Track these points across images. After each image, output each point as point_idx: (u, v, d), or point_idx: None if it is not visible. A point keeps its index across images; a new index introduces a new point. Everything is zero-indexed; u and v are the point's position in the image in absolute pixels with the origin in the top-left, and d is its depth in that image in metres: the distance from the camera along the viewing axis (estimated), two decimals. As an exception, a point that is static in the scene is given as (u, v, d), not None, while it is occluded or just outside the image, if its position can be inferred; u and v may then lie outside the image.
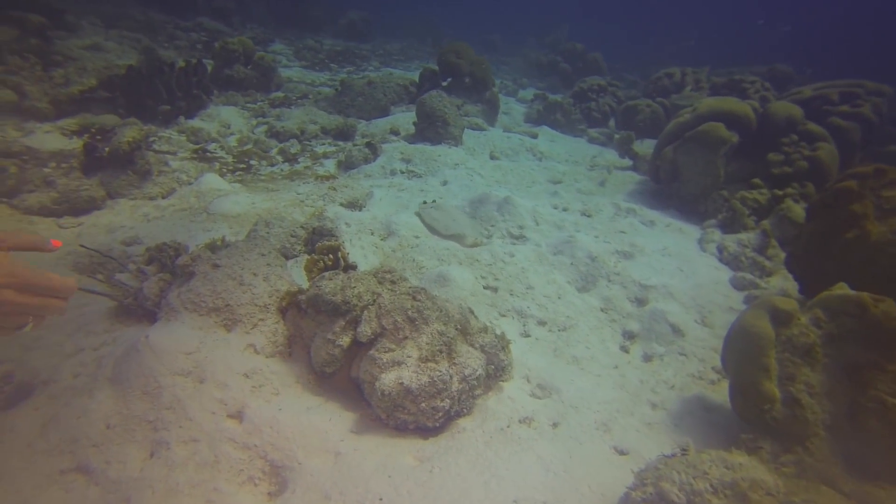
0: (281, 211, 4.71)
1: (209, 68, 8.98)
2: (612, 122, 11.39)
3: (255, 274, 3.10)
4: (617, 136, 10.41)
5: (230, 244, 3.59)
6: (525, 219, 5.26)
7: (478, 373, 2.89)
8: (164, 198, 4.80)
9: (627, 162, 8.30)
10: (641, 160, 7.96)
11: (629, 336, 3.94)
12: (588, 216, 5.80)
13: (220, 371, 2.57)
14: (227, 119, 7.22)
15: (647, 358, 3.72)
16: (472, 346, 3.10)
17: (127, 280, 3.30)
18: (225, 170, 5.89)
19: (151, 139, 6.12)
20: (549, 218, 5.43)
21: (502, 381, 3.19)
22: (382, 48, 17.46)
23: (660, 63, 19.04)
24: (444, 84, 9.69)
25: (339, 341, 2.84)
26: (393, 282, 3.08)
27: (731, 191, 5.58)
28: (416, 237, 4.77)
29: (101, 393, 2.28)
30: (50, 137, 5.96)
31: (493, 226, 5.18)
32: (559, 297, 4.25)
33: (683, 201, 6.00)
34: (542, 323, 3.96)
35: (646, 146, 8.69)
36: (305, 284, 3.37)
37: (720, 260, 4.69)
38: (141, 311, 2.92)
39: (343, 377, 3.06)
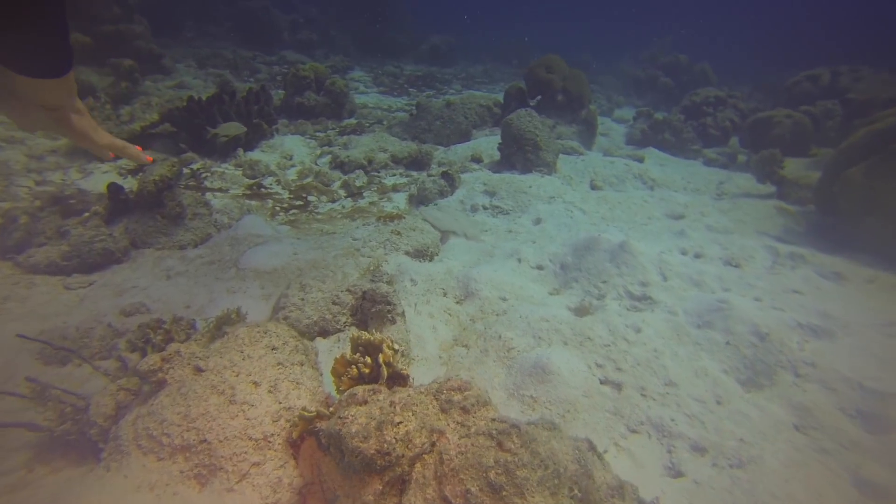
0: (329, 264, 3.69)
1: (280, 97, 8.51)
2: (733, 140, 9.55)
3: (256, 383, 2.03)
4: (742, 156, 8.59)
5: (243, 321, 2.58)
6: (649, 272, 3.85)
7: None
8: (195, 246, 3.98)
9: (769, 188, 6.55)
10: (791, 185, 6.20)
11: (868, 487, 2.39)
12: (735, 266, 4.26)
13: (164, 582, 1.48)
14: (289, 149, 6.51)
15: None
16: (601, 527, 1.80)
17: (93, 379, 2.37)
18: (278, 208, 5.06)
19: (203, 175, 5.47)
20: (681, 269, 3.98)
21: (655, 588, 1.84)
22: (465, 71, 16.69)
23: (777, 74, 16.59)
24: (533, 103, 8.49)
25: (373, 518, 1.66)
26: (465, 409, 1.86)
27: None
28: (504, 299, 3.54)
29: None
30: (106, 178, 5.54)
31: (604, 282, 3.82)
32: (718, 403, 2.80)
33: (883, 242, 4.26)
34: (699, 450, 2.53)
35: (791, 167, 6.85)
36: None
37: None
38: (85, 442, 1.92)
39: (382, 563, 1.88)
